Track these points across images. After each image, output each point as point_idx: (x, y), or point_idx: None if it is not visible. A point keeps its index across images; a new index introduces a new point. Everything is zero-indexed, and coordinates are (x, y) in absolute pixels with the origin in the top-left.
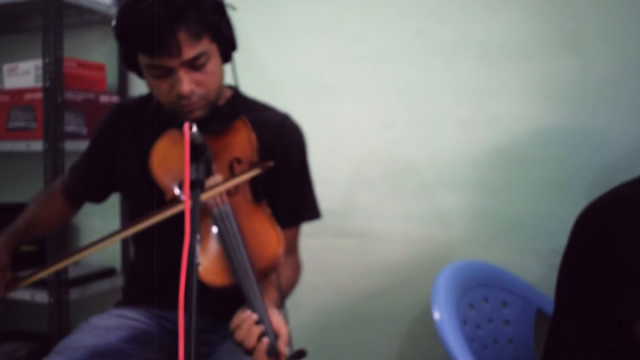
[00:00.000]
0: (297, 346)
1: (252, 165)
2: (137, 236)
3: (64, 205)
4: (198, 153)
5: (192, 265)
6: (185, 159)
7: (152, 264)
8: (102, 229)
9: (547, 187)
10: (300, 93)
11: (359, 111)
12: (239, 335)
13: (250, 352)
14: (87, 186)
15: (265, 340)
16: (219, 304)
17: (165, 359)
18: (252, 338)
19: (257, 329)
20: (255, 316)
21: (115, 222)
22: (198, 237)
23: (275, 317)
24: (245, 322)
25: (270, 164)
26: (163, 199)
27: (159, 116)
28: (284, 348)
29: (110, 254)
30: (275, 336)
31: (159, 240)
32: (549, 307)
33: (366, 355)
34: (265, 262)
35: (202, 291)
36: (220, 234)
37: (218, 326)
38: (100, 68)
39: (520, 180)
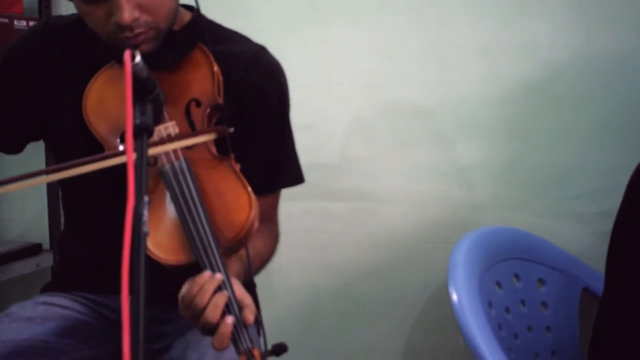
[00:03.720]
0: (276, 339)
1: (214, 110)
2: (67, 203)
3: None
4: (143, 91)
5: (139, 235)
6: (126, 98)
7: (88, 237)
8: (22, 193)
9: (595, 134)
10: (279, 16)
11: (354, 38)
12: (199, 301)
13: (210, 328)
14: None
15: (231, 319)
16: (175, 288)
17: (107, 356)
18: (216, 308)
19: (222, 297)
20: (220, 276)
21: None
22: (146, 199)
23: (237, 286)
24: (206, 284)
25: (230, 130)
26: None
27: (95, 45)
28: (251, 317)
29: (35, 227)
30: (240, 307)
31: (95, 206)
32: (598, 284)
33: (365, 348)
34: (234, 232)
35: (153, 271)
36: (174, 197)
37: (173, 315)
38: None
39: (561, 125)
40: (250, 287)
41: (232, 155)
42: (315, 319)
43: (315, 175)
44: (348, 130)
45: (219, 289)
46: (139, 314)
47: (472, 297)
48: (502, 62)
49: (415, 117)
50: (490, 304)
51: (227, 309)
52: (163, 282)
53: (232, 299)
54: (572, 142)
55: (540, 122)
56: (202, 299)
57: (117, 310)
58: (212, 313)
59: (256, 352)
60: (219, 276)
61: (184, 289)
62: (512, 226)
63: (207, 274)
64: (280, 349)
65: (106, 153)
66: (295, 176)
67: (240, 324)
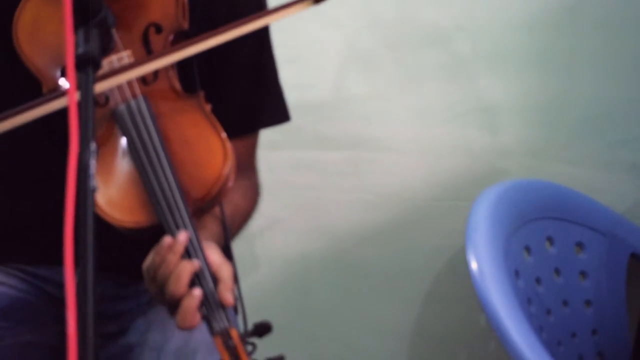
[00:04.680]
0: (258, 318)
1: (179, 37)
2: None
3: None
4: (87, 13)
5: (85, 192)
6: (65, 21)
7: (21, 197)
8: None
9: None
10: None
11: None
12: (162, 272)
13: (174, 303)
14: None
15: (198, 291)
16: (134, 257)
17: (52, 340)
18: (179, 279)
19: (188, 266)
20: (183, 238)
21: None
22: (93, 146)
23: (211, 253)
24: (170, 251)
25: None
26: (38, 94)
27: None
28: (230, 297)
29: None
30: (214, 280)
31: (29, 156)
32: None
33: (366, 329)
34: (205, 188)
35: (106, 236)
36: (130, 144)
37: (132, 291)
38: None
39: (605, 53)
40: (227, 257)
41: (202, 93)
42: (305, 294)
43: (304, 119)
44: (343, 63)
45: (187, 255)
46: (86, 289)
47: (496, 265)
48: None
49: (426, 46)
50: (517, 274)
51: (198, 281)
52: (119, 250)
53: (205, 269)
54: (618, 74)
55: (579, 49)
56: (166, 270)
57: (63, 286)
58: (175, 285)
59: (234, 333)
60: (183, 238)
61: (148, 259)
62: (545, 178)
63: (170, 238)
64: (263, 329)
65: (38, 100)
66: (278, 113)
67: (214, 299)
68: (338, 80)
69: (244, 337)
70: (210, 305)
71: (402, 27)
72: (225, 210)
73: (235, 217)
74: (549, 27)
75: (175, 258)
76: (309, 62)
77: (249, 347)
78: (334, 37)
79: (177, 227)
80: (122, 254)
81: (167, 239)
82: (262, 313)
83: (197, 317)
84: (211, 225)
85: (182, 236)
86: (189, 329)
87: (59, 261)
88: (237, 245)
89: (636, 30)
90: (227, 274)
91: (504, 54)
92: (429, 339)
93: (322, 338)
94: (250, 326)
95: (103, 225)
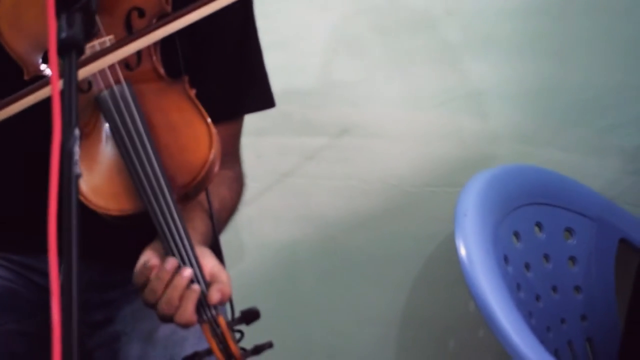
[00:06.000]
0: (246, 305)
1: (161, 20)
2: None
3: None
4: None
5: (69, 179)
6: (48, 6)
7: (6, 185)
8: None
9: (638, 49)
10: None
11: None
12: (149, 294)
13: (168, 317)
14: None
15: (196, 288)
16: (120, 245)
17: (37, 328)
18: (172, 298)
19: (181, 281)
20: (173, 261)
21: None
22: (77, 132)
23: (207, 259)
24: (159, 272)
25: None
26: (20, 80)
27: None
28: (217, 296)
29: None
30: (208, 286)
31: (15, 147)
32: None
33: (354, 316)
34: (190, 174)
35: (91, 224)
36: (114, 130)
37: (118, 279)
38: None
39: (597, 38)
40: (216, 251)
41: (186, 78)
42: (292, 281)
43: (290, 105)
44: (331, 48)
45: (180, 260)
46: (71, 277)
47: (485, 251)
48: None
49: (416, 31)
50: (506, 260)
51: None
52: (104, 239)
53: (198, 273)
54: (609, 60)
55: (570, 35)
56: (154, 291)
57: (48, 274)
58: (169, 304)
59: (221, 321)
60: (188, 274)
61: (138, 267)
62: (535, 164)
63: (170, 264)
64: (250, 315)
65: (19, 93)
66: (263, 98)
67: (204, 298)
68: (326, 66)
69: (232, 324)
70: (202, 306)
71: (391, 12)
72: (214, 203)
73: (222, 211)
74: (540, 12)
75: (162, 275)
76: (297, 47)
77: (237, 335)
78: (322, 22)
79: (163, 215)
80: (107, 242)
81: (155, 259)
82: (250, 300)
83: (195, 318)
84: (200, 224)
85: (171, 261)
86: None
87: (43, 249)
88: (224, 233)
89: (626, 16)
90: (224, 279)
91: (494, 40)
92: (417, 325)
93: (310, 325)
94: (237, 313)
95: (88, 213)
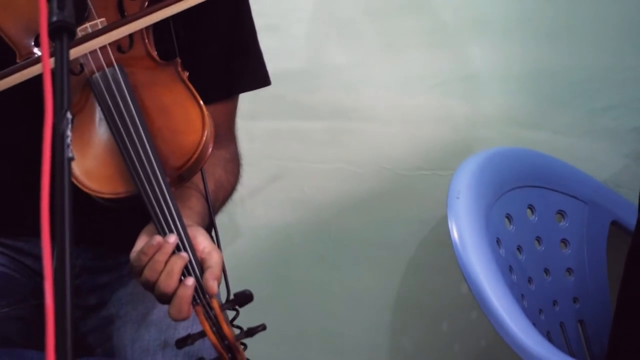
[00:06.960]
0: (239, 287)
1: (154, 2)
2: None
3: None
4: None
5: (61, 162)
6: None
7: None
8: None
9: (634, 31)
10: None
11: None
12: (148, 274)
13: (166, 298)
14: None
15: (191, 281)
16: (113, 228)
17: (31, 313)
18: (171, 278)
19: (178, 262)
20: (172, 239)
21: None
22: (69, 115)
23: (201, 240)
24: (157, 251)
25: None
26: (13, 64)
27: None
28: (214, 285)
29: None
30: (202, 269)
31: (6, 130)
32: (631, 217)
33: (347, 300)
34: (183, 156)
35: (83, 207)
36: (107, 113)
37: (112, 263)
38: None
39: (589, 21)
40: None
41: (178, 60)
42: (285, 264)
43: (283, 88)
44: (323, 31)
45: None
46: (64, 261)
47: (477, 233)
48: None
49: (407, 13)
50: (499, 242)
51: (187, 271)
52: (98, 222)
53: (192, 259)
54: (600, 42)
55: (561, 17)
56: (154, 271)
57: (41, 258)
58: (167, 282)
59: (215, 304)
60: (173, 240)
61: (133, 255)
62: (526, 147)
63: (156, 241)
64: (243, 298)
65: (11, 68)
66: (258, 76)
67: (200, 286)
68: (318, 49)
69: (225, 307)
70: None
71: None
72: (209, 185)
73: (218, 192)
74: None
75: (164, 257)
76: (289, 30)
77: (233, 313)
78: (314, 4)
79: (156, 198)
80: (101, 226)
81: (157, 239)
82: (243, 283)
83: (191, 308)
84: (196, 203)
85: (170, 239)
86: (183, 319)
87: (36, 233)
88: (218, 215)
89: None
90: (216, 260)
91: (486, 22)
92: (410, 308)
93: (303, 308)
94: (230, 296)
95: (81, 196)
